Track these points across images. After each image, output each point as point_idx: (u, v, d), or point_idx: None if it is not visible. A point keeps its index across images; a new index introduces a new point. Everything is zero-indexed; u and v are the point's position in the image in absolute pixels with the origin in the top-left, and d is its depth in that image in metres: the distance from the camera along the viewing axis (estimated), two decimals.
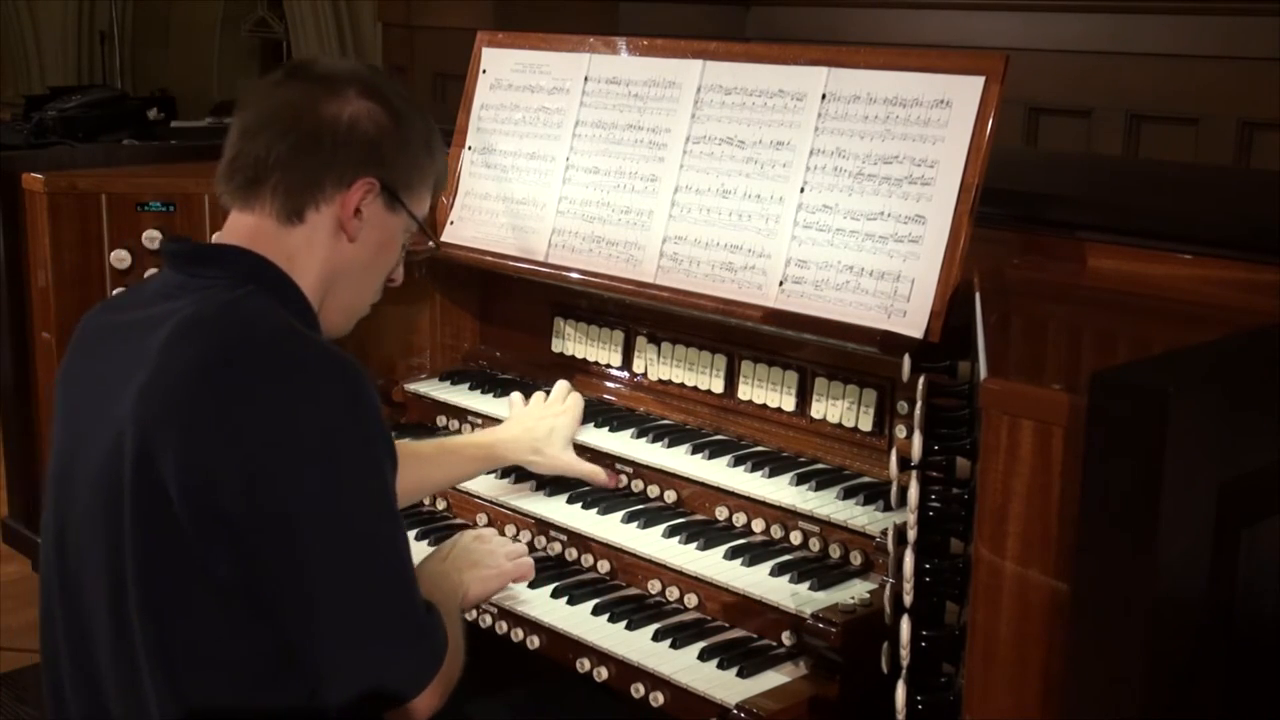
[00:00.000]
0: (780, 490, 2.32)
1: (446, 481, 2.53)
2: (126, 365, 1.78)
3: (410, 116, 1.96)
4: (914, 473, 1.78)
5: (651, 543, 2.33)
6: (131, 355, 1.79)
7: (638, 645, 2.16)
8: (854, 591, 2.13)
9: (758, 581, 2.18)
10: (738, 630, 2.20)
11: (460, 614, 2.04)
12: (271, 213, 1.89)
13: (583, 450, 2.57)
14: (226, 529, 1.68)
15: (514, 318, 3.01)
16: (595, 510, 2.45)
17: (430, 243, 2.23)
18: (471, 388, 2.90)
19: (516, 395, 2.68)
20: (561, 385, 2.65)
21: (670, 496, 2.46)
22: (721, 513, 2.39)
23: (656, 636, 2.17)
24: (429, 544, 2.52)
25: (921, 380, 1.85)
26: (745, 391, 2.57)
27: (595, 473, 2.51)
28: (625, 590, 2.34)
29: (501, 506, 2.54)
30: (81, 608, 1.85)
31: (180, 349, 1.74)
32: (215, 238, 1.93)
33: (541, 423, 2.53)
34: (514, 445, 2.51)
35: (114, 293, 2.03)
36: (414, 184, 1.98)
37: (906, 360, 1.91)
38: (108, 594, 1.78)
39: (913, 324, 2.15)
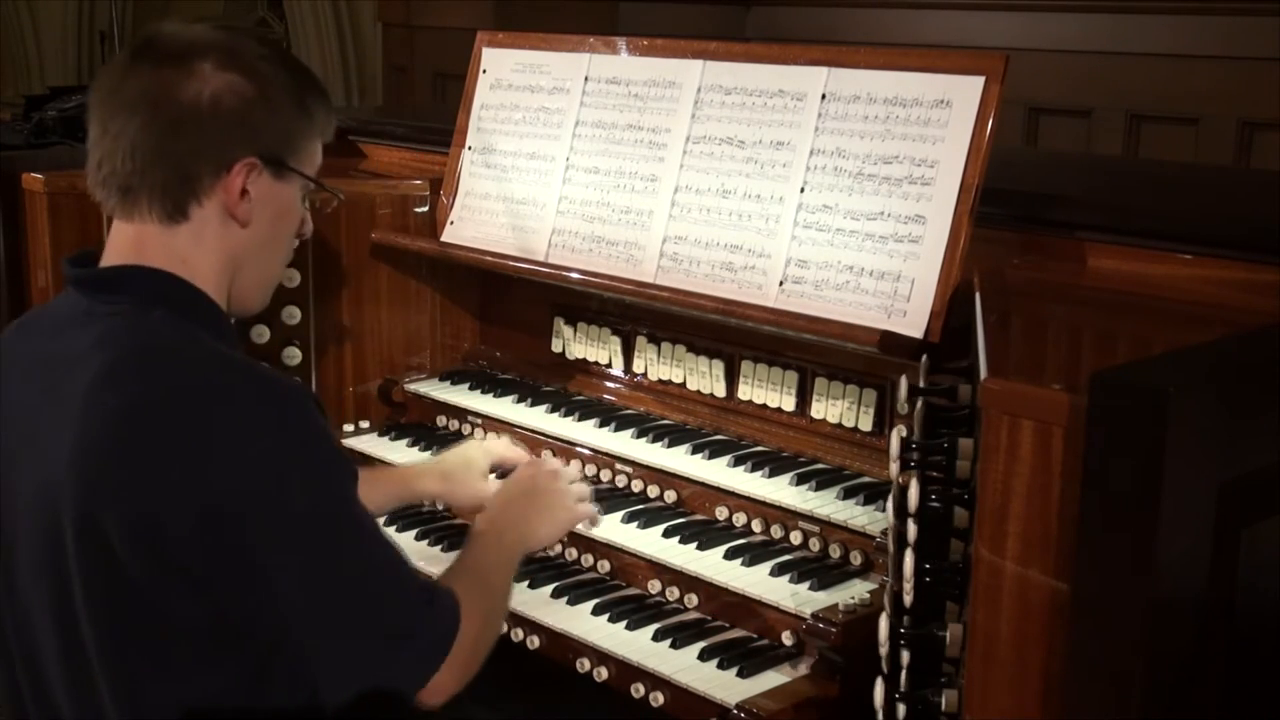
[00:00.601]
0: (780, 490, 2.32)
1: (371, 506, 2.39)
2: (46, 411, 1.72)
3: (275, 76, 1.80)
4: (914, 472, 1.78)
5: (651, 543, 2.33)
6: (49, 400, 1.72)
7: (638, 645, 2.16)
8: (854, 591, 2.13)
9: (758, 581, 2.18)
10: (738, 630, 2.20)
11: (512, 571, 2.04)
12: (154, 217, 1.77)
13: (583, 450, 2.58)
14: (183, 574, 1.63)
15: (514, 318, 3.01)
16: (595, 510, 2.44)
17: (336, 197, 2.03)
18: (471, 388, 2.90)
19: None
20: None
21: (670, 496, 2.46)
22: (721, 513, 2.39)
23: (656, 636, 2.17)
24: (428, 544, 2.53)
25: (920, 405, 1.81)
26: (745, 391, 2.56)
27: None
28: (625, 590, 2.34)
29: None
30: (34, 644, 1.79)
31: (103, 401, 1.66)
32: (106, 251, 1.83)
33: (455, 454, 2.48)
34: (424, 475, 2.46)
35: (28, 313, 1.93)
36: (297, 144, 1.84)
37: (904, 384, 1.90)
38: (57, 637, 1.73)
39: (913, 324, 2.15)
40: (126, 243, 1.80)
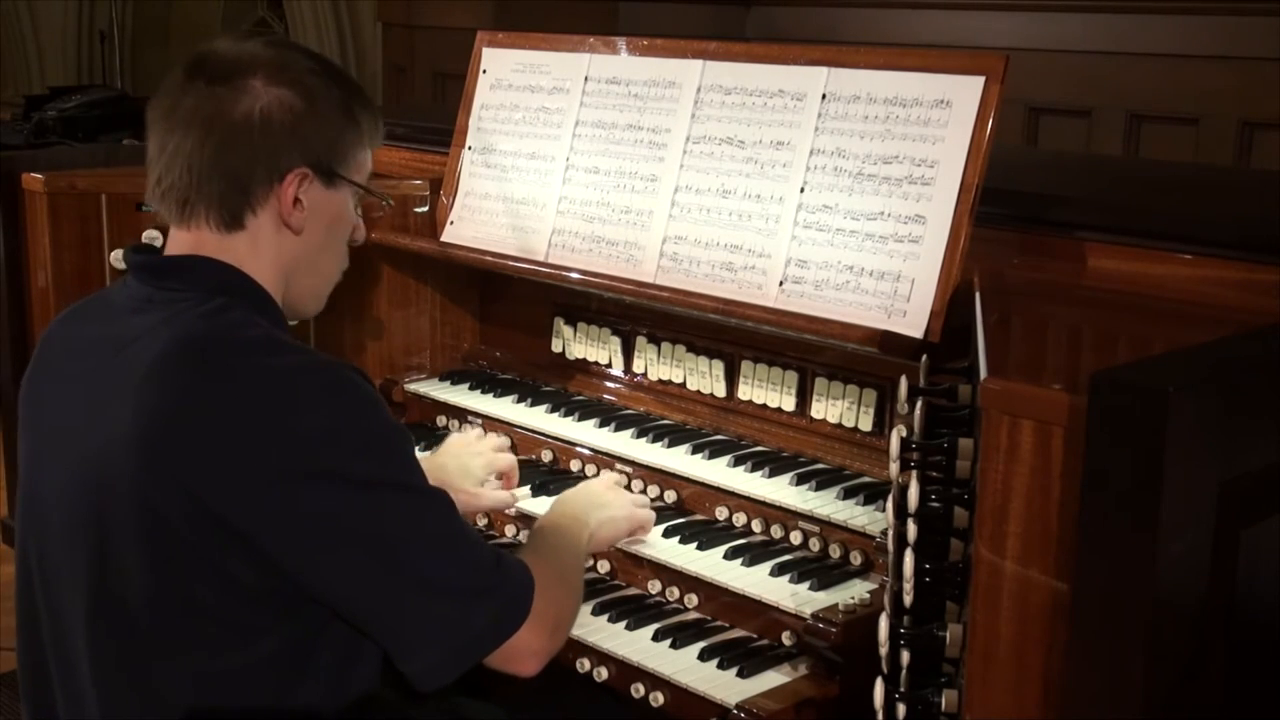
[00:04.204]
0: (780, 490, 2.32)
1: None
2: (101, 387, 1.77)
3: (323, 88, 1.88)
4: (914, 472, 1.78)
5: (652, 543, 2.33)
6: (106, 377, 1.78)
7: (638, 645, 2.16)
8: (854, 591, 2.13)
9: (758, 581, 2.18)
10: (738, 630, 2.20)
11: (580, 556, 2.10)
12: (210, 226, 1.86)
13: (583, 450, 2.58)
14: (244, 542, 1.68)
15: (514, 318, 3.01)
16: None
17: (383, 203, 2.14)
18: (471, 388, 2.90)
19: (456, 436, 2.64)
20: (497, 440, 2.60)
21: (670, 496, 2.46)
22: (721, 513, 2.39)
23: (657, 636, 2.17)
24: None
25: (920, 405, 1.81)
26: (745, 391, 2.56)
27: (502, 500, 2.48)
28: (625, 590, 2.34)
29: (508, 511, 2.54)
30: (62, 626, 1.84)
31: (168, 377, 1.72)
32: (165, 252, 1.92)
33: (454, 460, 2.48)
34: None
35: (78, 302, 2.01)
36: (346, 153, 1.91)
37: (904, 384, 1.90)
38: (85, 615, 1.78)
39: (913, 324, 2.15)
40: (185, 245, 1.88)
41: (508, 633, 1.79)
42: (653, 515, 2.36)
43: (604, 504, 2.26)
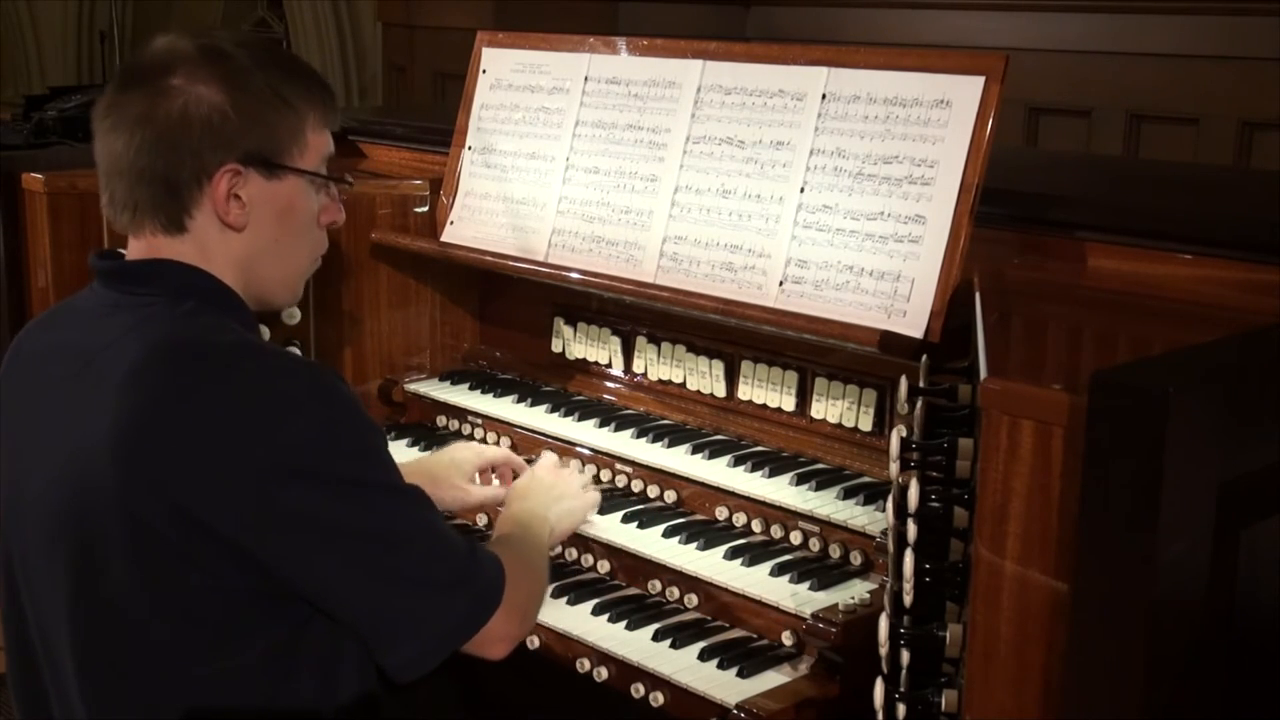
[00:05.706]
0: (780, 490, 2.32)
1: None
2: (76, 395, 1.76)
3: (247, 77, 1.82)
4: (914, 472, 1.79)
5: (651, 543, 2.33)
6: (80, 385, 1.76)
7: (638, 645, 2.16)
8: (854, 591, 2.13)
9: (758, 581, 2.18)
10: (738, 630, 2.20)
11: (544, 548, 2.14)
12: (157, 231, 1.84)
13: (583, 450, 2.58)
14: (230, 546, 1.68)
15: (514, 318, 3.01)
16: (595, 510, 2.44)
17: (344, 183, 2.01)
18: (471, 388, 2.90)
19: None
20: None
21: (670, 496, 2.46)
22: (721, 513, 2.39)
23: (656, 636, 2.17)
24: None
25: (920, 405, 1.81)
26: (745, 391, 2.56)
27: (493, 496, 2.47)
28: (625, 590, 2.34)
29: (501, 507, 2.54)
30: (46, 631, 1.83)
31: (144, 384, 1.71)
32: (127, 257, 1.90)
33: (445, 453, 2.49)
34: (412, 476, 2.45)
35: (46, 310, 2.00)
36: (283, 141, 1.85)
37: (904, 384, 1.90)
38: (69, 620, 1.77)
39: (913, 324, 2.15)
40: (142, 253, 1.87)
41: (482, 621, 1.82)
42: (599, 495, 2.38)
43: (560, 495, 2.30)
